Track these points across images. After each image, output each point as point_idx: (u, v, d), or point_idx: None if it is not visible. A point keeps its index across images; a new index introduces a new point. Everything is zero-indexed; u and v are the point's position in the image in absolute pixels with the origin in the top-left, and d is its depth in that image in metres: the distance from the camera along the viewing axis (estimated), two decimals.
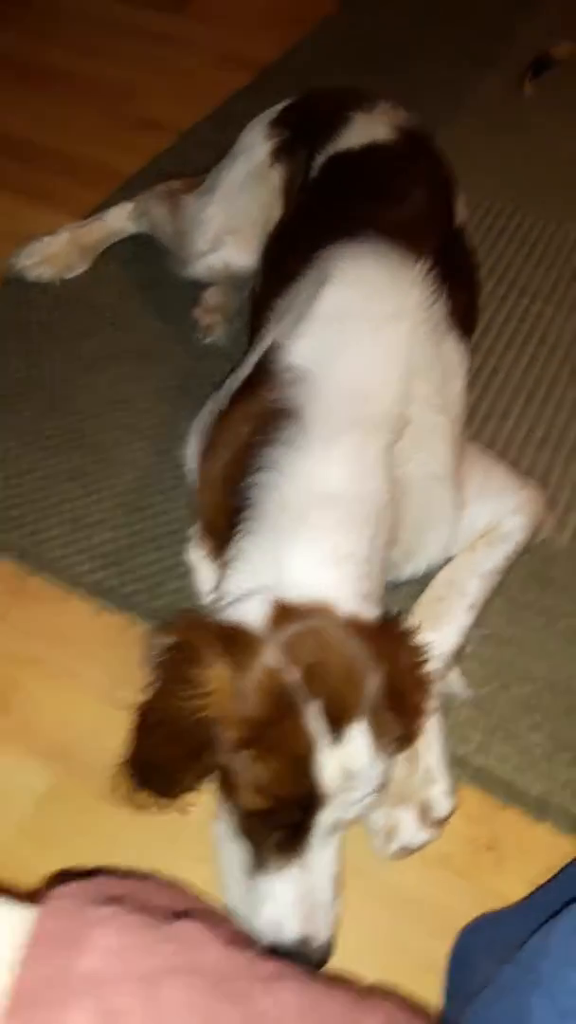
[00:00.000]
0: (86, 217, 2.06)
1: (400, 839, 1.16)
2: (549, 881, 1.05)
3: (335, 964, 1.08)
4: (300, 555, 1.06)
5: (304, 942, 1.01)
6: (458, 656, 1.32)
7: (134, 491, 1.58)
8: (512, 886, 1.16)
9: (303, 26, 2.87)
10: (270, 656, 0.98)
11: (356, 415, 1.17)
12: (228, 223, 1.78)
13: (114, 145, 2.36)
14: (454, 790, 1.20)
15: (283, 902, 1.01)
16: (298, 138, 1.71)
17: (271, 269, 1.57)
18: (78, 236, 2.00)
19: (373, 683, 0.99)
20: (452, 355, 1.37)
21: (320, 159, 1.63)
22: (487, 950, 0.92)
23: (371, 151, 1.59)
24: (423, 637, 1.23)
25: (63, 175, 2.26)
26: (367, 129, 1.63)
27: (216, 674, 0.98)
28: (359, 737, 0.97)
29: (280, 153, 1.73)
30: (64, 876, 0.99)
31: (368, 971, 1.10)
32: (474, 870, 1.19)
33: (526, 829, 1.23)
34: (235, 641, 1.00)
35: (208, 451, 1.32)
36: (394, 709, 1.01)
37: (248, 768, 0.97)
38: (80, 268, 1.99)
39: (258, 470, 1.16)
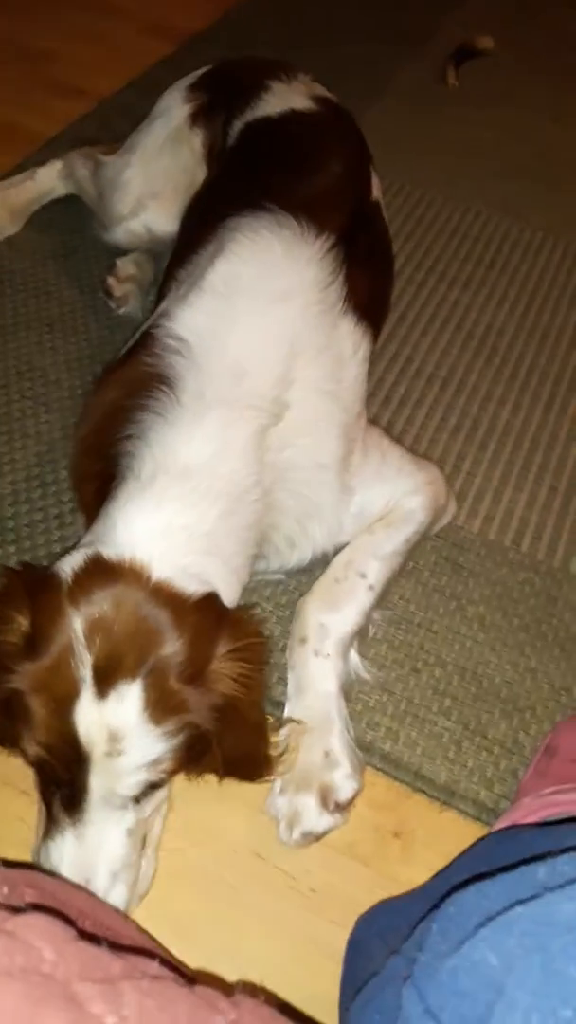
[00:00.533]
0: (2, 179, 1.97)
1: (303, 825, 1.14)
2: (446, 868, 1.03)
3: (229, 954, 1.07)
4: (131, 517, 1.04)
5: None
6: (362, 638, 1.30)
7: (39, 466, 1.51)
8: (419, 874, 1.14)
9: None
10: (63, 605, 0.97)
11: (231, 393, 1.14)
12: (148, 186, 1.72)
13: (32, 109, 2.27)
14: (358, 773, 1.18)
15: (53, 867, 0.99)
16: (216, 103, 1.67)
17: (183, 238, 1.53)
18: (7, 197, 1.92)
19: (161, 650, 0.96)
20: (347, 339, 1.31)
21: (237, 126, 1.59)
22: (381, 938, 0.89)
23: (287, 120, 1.56)
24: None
25: None
26: (285, 98, 1.59)
27: (14, 616, 0.98)
28: (126, 697, 0.94)
29: (198, 117, 1.68)
30: None
31: (268, 961, 1.08)
32: (380, 858, 1.17)
33: (433, 816, 1.21)
34: (42, 588, 0.99)
35: (81, 416, 1.27)
36: (191, 685, 0.97)
37: (24, 712, 0.96)
38: (10, 231, 1.91)
39: (126, 438, 1.13)
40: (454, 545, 1.48)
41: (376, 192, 1.62)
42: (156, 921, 1.07)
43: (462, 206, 2.16)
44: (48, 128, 2.19)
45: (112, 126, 2.15)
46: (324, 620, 1.24)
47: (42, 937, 0.57)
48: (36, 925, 0.58)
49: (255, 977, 1.06)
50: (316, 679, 1.21)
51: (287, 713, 1.21)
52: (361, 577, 1.28)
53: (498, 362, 1.80)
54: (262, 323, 1.21)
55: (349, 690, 1.26)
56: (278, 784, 1.16)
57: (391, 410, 1.67)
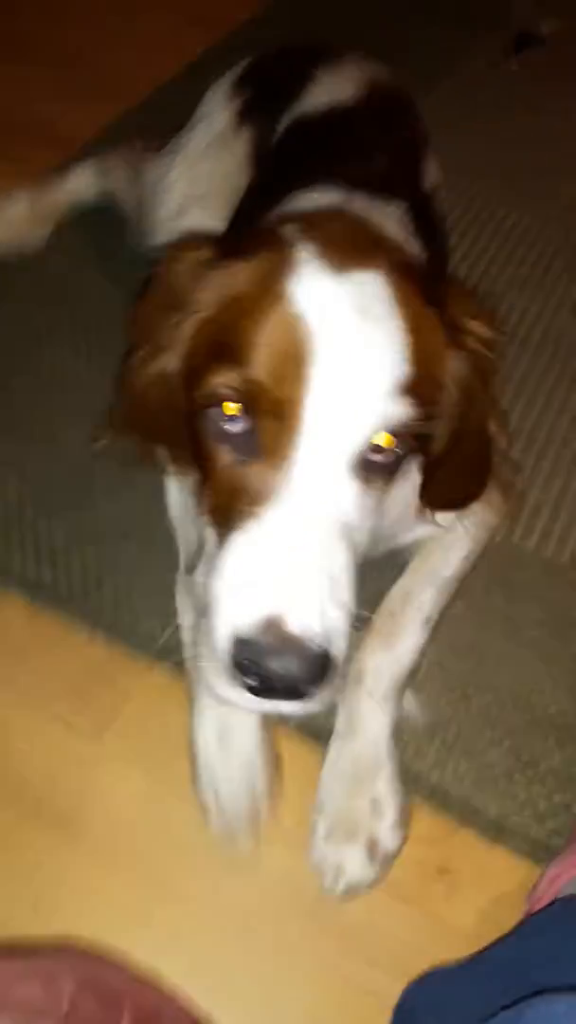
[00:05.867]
0: (36, 181, 1.92)
1: (347, 879, 1.09)
2: (503, 938, 0.97)
3: (256, 985, 1.03)
4: None
5: (270, 625, 0.72)
6: (412, 677, 1.23)
7: (76, 480, 1.46)
8: (464, 916, 1.10)
9: None
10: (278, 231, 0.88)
11: None
12: (192, 189, 1.65)
13: (71, 108, 2.19)
14: (405, 821, 1.13)
15: (244, 558, 0.77)
16: (262, 99, 1.60)
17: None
18: (36, 200, 1.85)
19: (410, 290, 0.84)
20: None
21: (284, 122, 1.52)
22: (432, 1010, 0.84)
23: (335, 112, 1.48)
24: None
25: (13, 135, 2.09)
26: (331, 88, 1.52)
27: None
28: (369, 282, 0.81)
29: (244, 116, 1.61)
30: None
31: (297, 997, 1.04)
32: (423, 897, 1.12)
33: (481, 853, 1.16)
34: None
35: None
36: (443, 338, 0.86)
37: (222, 336, 0.82)
38: (38, 239, 1.84)
39: None
40: (508, 563, 1.40)
41: (432, 174, 1.55)
42: (175, 949, 1.04)
43: (520, 205, 2.03)
44: (86, 127, 2.11)
45: (153, 124, 2.08)
46: (379, 661, 1.18)
47: None
48: None
49: (279, 1014, 1.02)
50: (367, 721, 1.16)
51: (332, 751, 1.16)
52: (417, 610, 1.23)
53: (558, 368, 1.71)
54: None
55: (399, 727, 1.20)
56: (321, 827, 1.11)
57: None
